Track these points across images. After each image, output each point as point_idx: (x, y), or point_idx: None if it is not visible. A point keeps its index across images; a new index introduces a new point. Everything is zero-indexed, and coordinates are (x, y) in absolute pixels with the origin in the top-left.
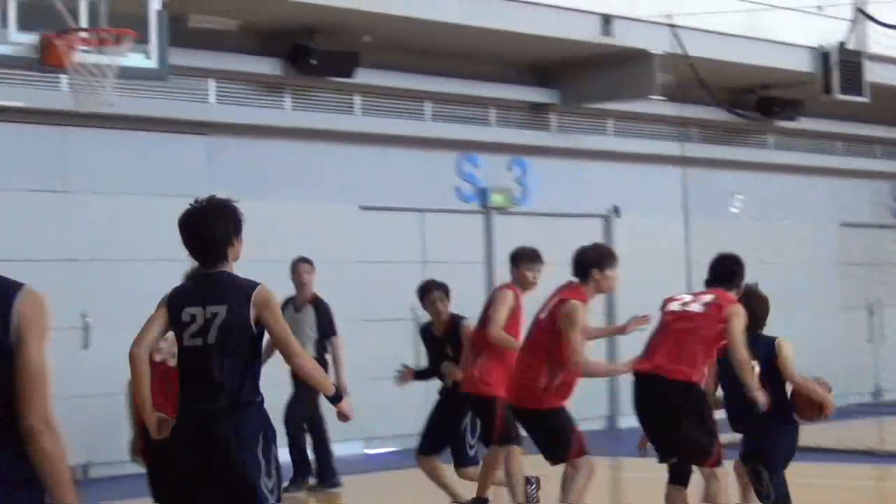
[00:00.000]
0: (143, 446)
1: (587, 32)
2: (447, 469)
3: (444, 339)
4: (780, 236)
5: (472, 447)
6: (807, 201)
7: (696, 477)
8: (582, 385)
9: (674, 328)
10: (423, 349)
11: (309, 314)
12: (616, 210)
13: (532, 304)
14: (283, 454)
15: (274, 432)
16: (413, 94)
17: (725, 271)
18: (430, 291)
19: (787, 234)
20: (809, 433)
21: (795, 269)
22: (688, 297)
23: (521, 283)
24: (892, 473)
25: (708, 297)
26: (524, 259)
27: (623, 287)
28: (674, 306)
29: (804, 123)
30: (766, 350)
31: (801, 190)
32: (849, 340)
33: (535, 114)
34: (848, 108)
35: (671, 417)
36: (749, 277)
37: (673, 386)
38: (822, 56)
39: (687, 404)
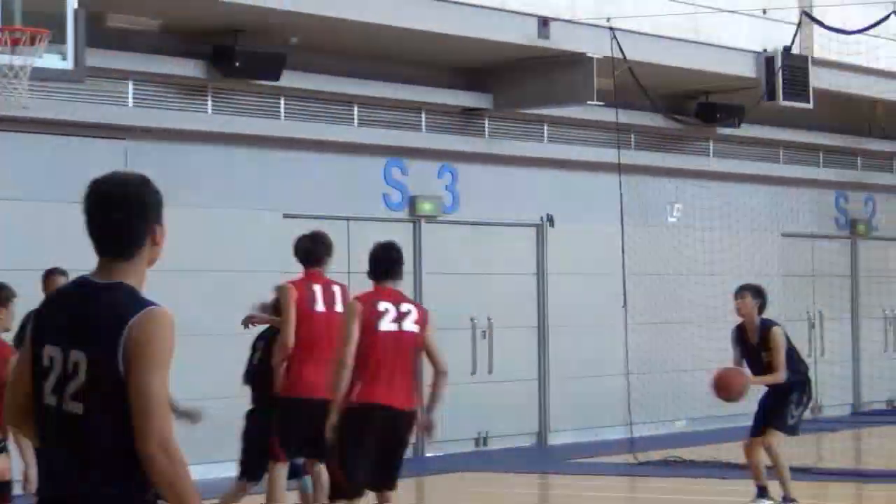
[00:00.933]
0: None
1: (523, 35)
2: None
3: None
4: (719, 246)
5: None
6: (748, 210)
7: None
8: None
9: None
10: None
11: None
12: (550, 219)
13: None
14: None
15: None
16: (341, 97)
17: (395, 265)
18: None
19: (727, 243)
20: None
21: (735, 280)
22: (392, 310)
23: None
24: (829, 491)
25: (412, 310)
26: None
27: (556, 298)
28: (388, 325)
29: (746, 130)
30: None
31: (742, 198)
32: None
33: (468, 119)
34: (790, 115)
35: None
36: (689, 287)
37: (411, 417)
38: (766, 60)
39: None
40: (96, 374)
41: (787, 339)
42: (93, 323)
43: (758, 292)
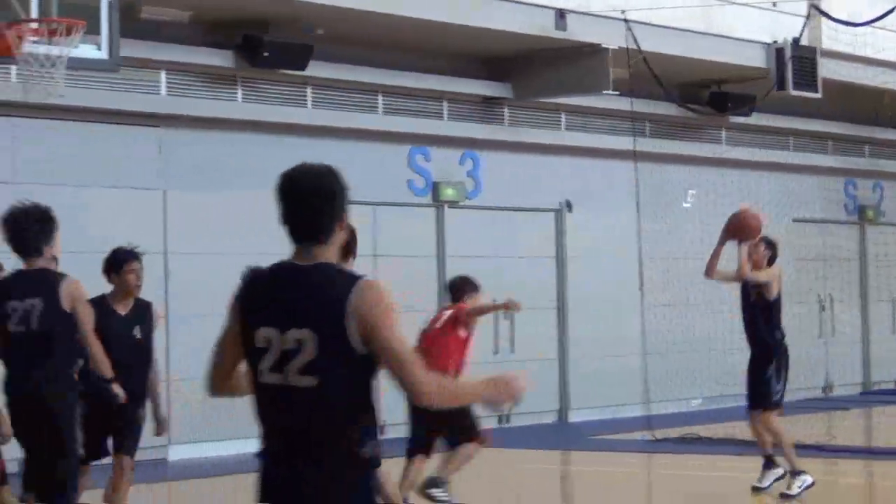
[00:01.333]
0: None
1: (541, 27)
2: None
3: None
4: None
5: None
6: (759, 197)
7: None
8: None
9: None
10: None
11: None
12: (568, 205)
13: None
14: None
15: None
16: (366, 86)
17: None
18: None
19: None
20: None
21: None
22: None
23: None
24: (840, 468)
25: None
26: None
27: (574, 282)
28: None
29: (757, 119)
30: None
31: (754, 185)
32: (800, 335)
33: (488, 107)
34: (800, 104)
35: None
36: (703, 270)
37: None
38: (776, 51)
39: None
40: (326, 348)
41: (780, 297)
42: (311, 302)
43: (770, 244)
